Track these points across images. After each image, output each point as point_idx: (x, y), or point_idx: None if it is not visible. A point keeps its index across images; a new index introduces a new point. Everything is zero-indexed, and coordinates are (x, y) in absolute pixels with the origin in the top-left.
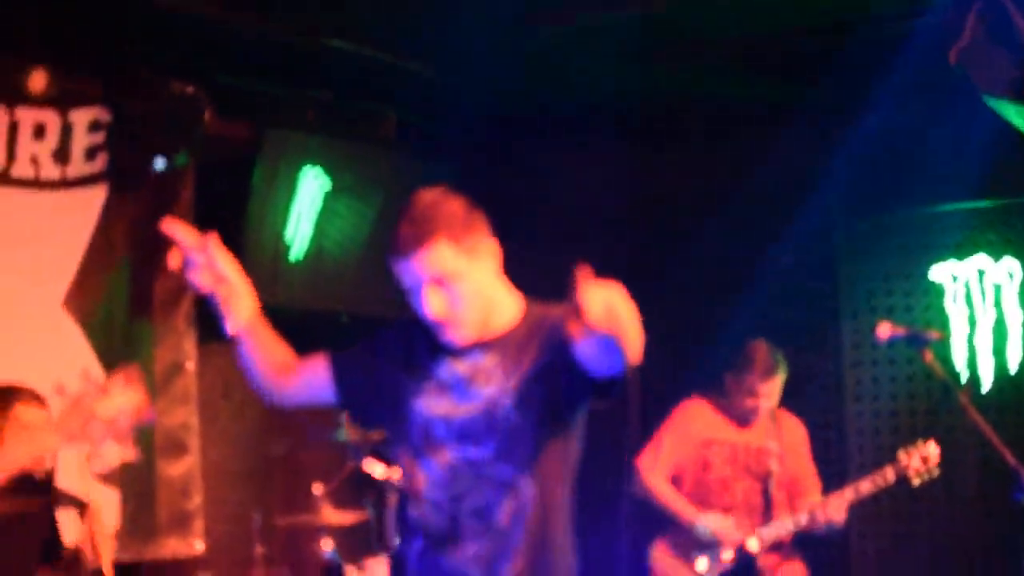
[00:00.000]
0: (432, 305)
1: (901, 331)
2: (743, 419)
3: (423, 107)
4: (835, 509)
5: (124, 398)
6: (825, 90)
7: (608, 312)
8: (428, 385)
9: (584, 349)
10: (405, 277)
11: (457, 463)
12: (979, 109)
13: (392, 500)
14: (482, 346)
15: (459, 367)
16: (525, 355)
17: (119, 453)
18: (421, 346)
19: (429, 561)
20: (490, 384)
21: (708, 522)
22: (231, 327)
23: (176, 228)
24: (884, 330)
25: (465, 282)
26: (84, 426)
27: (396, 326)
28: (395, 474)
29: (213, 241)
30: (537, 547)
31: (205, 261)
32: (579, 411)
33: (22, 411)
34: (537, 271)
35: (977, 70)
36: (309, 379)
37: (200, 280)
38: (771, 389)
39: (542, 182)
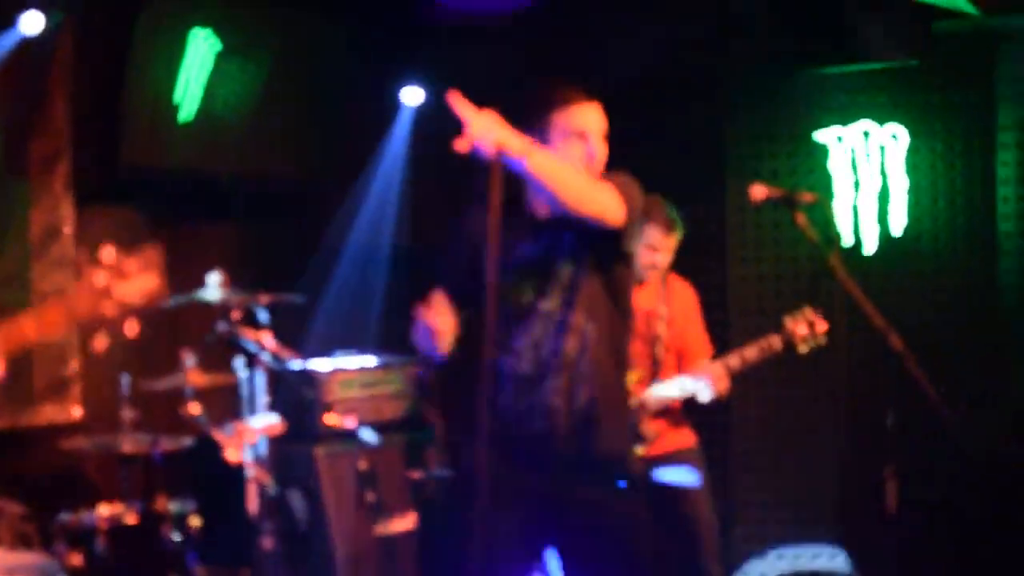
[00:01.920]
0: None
1: (775, 193)
2: (637, 277)
3: None
4: (718, 377)
5: (140, 281)
6: None
7: (487, 129)
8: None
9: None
10: (585, 122)
11: (534, 315)
12: None
13: (262, 363)
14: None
15: (536, 239)
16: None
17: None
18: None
19: (520, 401)
20: (555, 246)
21: None
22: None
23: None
24: (757, 192)
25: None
26: (98, 304)
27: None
28: (267, 339)
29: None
30: (600, 375)
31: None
32: (598, 256)
33: None
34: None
35: None
36: None
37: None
38: (670, 245)
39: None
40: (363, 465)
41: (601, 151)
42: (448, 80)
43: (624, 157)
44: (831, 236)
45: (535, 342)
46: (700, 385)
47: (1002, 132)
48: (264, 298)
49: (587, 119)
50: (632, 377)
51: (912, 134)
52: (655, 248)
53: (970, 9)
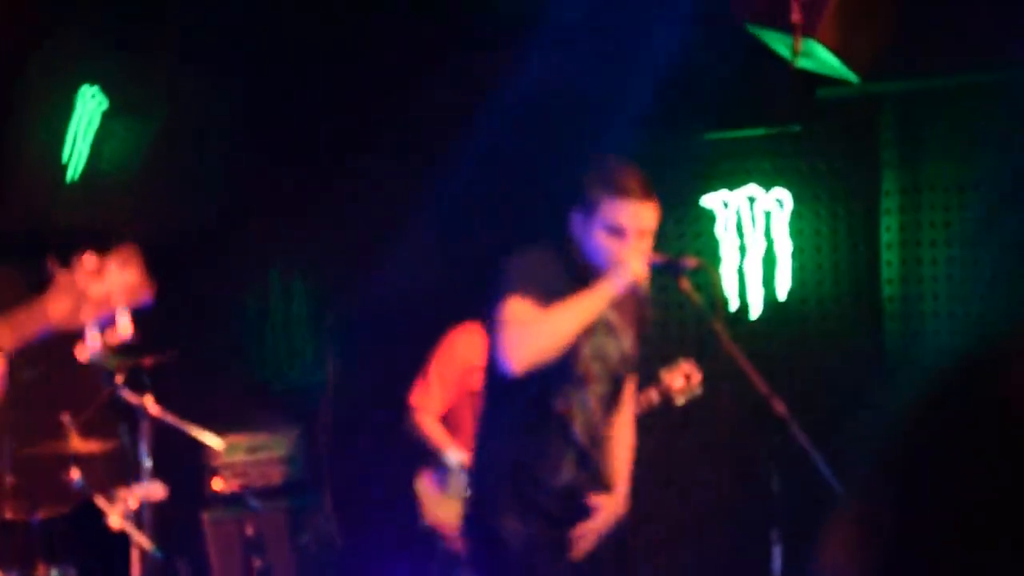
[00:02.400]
0: (640, 255)
1: (659, 258)
2: None
3: (207, 20)
4: None
5: (119, 278)
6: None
7: None
8: (595, 326)
9: None
10: (626, 219)
11: (602, 397)
12: (749, 37)
13: (146, 428)
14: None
15: (611, 315)
16: (632, 317)
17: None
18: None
19: (582, 469)
20: (623, 334)
21: (453, 455)
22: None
23: None
24: None
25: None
26: (75, 308)
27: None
28: (151, 402)
29: None
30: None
31: None
32: None
33: None
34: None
35: None
36: None
37: None
38: None
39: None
40: (250, 531)
41: (636, 253)
42: (328, 141)
43: (513, 222)
44: (717, 301)
45: (588, 412)
46: None
47: (886, 197)
48: (148, 361)
49: (634, 217)
50: None
51: (797, 199)
52: None
53: (849, 76)
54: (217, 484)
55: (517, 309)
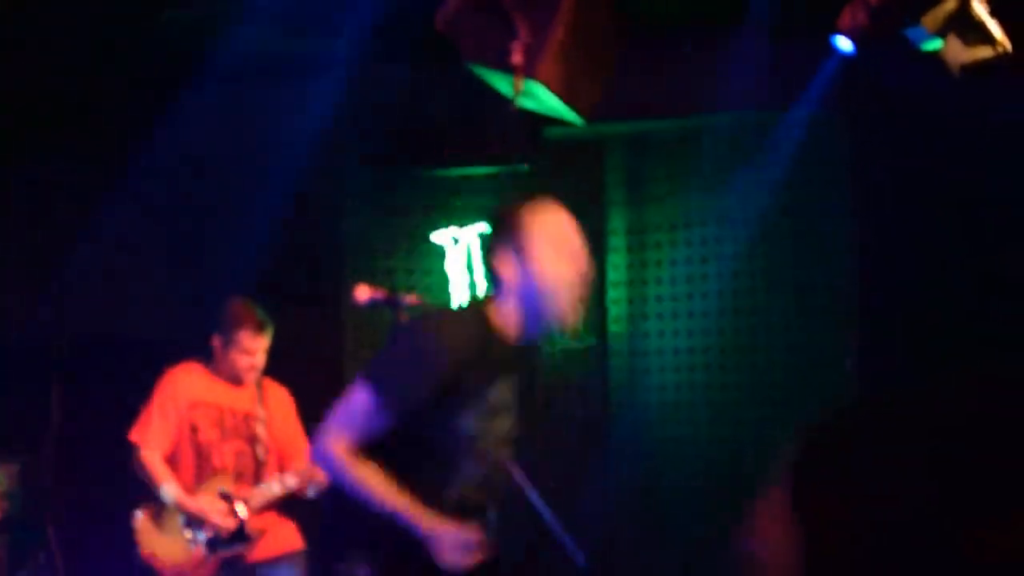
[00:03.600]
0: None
1: (379, 294)
2: (235, 380)
3: None
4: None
5: None
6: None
7: None
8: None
9: None
10: (563, 232)
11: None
12: (476, 76)
13: None
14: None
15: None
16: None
17: None
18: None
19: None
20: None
21: (169, 490)
22: None
23: None
24: (362, 292)
25: None
26: None
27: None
28: None
29: None
30: None
31: None
32: None
33: None
34: None
35: (464, 38)
36: None
37: None
38: (263, 345)
39: None
40: None
41: (581, 251)
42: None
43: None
44: None
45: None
46: (314, 479)
47: (612, 236)
48: None
49: (569, 227)
50: (230, 477)
51: None
52: (249, 351)
53: (574, 119)
54: None
55: (364, 402)
